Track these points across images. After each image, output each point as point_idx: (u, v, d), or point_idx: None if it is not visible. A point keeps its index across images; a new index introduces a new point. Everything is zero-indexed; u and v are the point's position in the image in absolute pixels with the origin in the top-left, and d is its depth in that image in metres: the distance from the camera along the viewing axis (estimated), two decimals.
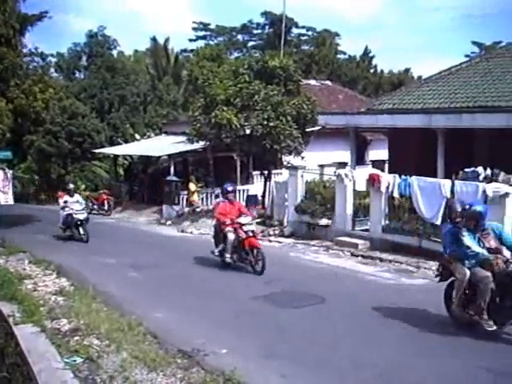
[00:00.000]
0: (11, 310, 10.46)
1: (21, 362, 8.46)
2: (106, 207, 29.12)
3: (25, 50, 23.68)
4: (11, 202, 20.19)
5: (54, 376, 7.36)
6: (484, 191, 13.61)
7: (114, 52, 51.00)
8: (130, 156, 34.73)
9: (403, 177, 15.69)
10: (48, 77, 25.12)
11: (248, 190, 26.77)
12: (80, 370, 7.60)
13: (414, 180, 15.37)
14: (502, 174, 14.14)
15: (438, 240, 14.26)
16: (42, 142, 36.98)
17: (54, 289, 12.24)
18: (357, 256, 15.67)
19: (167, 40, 54.87)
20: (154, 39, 55.22)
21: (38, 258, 15.79)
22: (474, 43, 56.88)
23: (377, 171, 17.28)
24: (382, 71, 63.17)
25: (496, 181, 13.96)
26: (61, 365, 7.70)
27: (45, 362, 7.79)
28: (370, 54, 62.66)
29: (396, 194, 15.88)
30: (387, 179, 16.11)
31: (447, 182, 14.69)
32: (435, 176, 16.65)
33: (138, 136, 39.59)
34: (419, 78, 53.49)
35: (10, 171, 19.53)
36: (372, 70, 62.41)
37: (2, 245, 18.06)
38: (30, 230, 22.78)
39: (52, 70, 50.65)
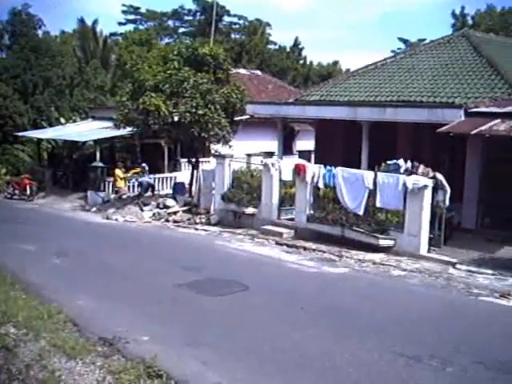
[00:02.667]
0: None
1: None
2: (28, 192, 28.21)
3: None
4: None
5: None
6: (404, 183, 14.10)
7: (40, 32, 49.26)
8: (55, 140, 33.72)
9: (328, 167, 16.01)
10: None
11: (175, 178, 26.60)
12: None
13: (338, 171, 15.72)
14: (422, 166, 14.67)
15: (361, 230, 14.74)
16: None
17: None
18: (281, 245, 15.90)
19: (95, 22, 53.35)
20: (81, 20, 53.58)
21: None
22: (400, 39, 58.33)
23: (303, 161, 17.56)
24: (311, 63, 63.88)
25: (416, 173, 14.46)
26: None
27: None
28: (300, 46, 63.25)
29: (321, 185, 16.20)
30: (313, 169, 16.39)
31: (370, 174, 15.11)
32: (359, 167, 17.09)
33: (63, 120, 38.39)
34: (347, 70, 54.53)
35: None
36: (302, 62, 63.02)
37: None
38: None
39: None
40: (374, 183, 14.85)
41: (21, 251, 14.77)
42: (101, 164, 26.09)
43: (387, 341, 8.21)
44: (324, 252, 14.79)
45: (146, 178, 24.48)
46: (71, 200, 26.83)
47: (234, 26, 65.06)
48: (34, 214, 23.00)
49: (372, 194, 14.94)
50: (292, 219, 17.27)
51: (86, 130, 29.40)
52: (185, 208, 21.49)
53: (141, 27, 62.14)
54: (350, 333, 8.60)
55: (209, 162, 24.53)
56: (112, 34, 60.02)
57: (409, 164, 15.16)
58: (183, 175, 26.13)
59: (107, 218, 21.71)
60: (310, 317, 9.37)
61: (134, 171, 25.22)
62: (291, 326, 8.83)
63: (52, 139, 33.50)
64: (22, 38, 44.45)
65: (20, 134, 34.76)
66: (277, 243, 16.13)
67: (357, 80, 21.27)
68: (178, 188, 23.88)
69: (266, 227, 17.32)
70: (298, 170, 16.56)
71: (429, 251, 14.17)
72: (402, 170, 15.10)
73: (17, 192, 28.80)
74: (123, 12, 66.08)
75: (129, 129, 23.28)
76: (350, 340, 8.28)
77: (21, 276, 11.60)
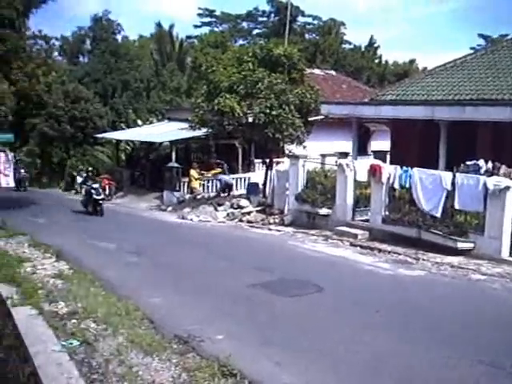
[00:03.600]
0: (9, 292, 10.50)
1: (18, 344, 8.50)
2: (107, 192, 29.11)
3: (28, 33, 23.54)
4: (12, 184, 20.28)
5: (50, 358, 7.38)
6: (485, 184, 13.61)
7: (119, 37, 50.91)
8: (132, 141, 34.70)
9: (404, 168, 15.67)
10: (51, 60, 25.06)
11: (249, 178, 26.77)
12: (76, 352, 7.62)
13: (415, 171, 15.35)
14: (504, 167, 14.13)
15: (438, 232, 14.33)
16: (45, 126, 36.98)
17: (53, 272, 12.25)
18: (356, 246, 15.68)
19: (172, 26, 54.74)
20: (159, 25, 55.10)
21: (38, 242, 15.82)
22: (480, 36, 56.58)
23: (378, 162, 17.26)
24: (386, 62, 62.95)
25: (497, 174, 13.94)
26: (57, 347, 7.73)
27: (41, 345, 7.82)
28: (375, 45, 62.40)
29: (397, 186, 15.87)
30: (388, 170, 16.09)
31: (448, 175, 14.68)
32: (437, 168, 16.65)
33: (140, 122, 39.51)
34: (424, 69, 53.31)
35: (12, 154, 19.55)
36: (377, 61, 62.16)
37: (3, 227, 18.12)
38: (31, 213, 22.85)
39: (56, 53, 50.58)
40: (453, 184, 14.40)
41: (100, 249, 15.26)
42: (176, 164, 26.59)
43: (466, 347, 7.93)
44: (399, 254, 14.48)
45: (225, 177, 24.79)
46: (148, 200, 27.50)
47: (308, 26, 64.93)
48: (112, 213, 23.67)
49: (450, 195, 14.51)
50: (367, 220, 17.01)
51: (163, 132, 30.06)
52: (258, 208, 21.57)
53: (216, 30, 62.97)
54: (426, 337, 8.35)
55: (283, 162, 24.51)
56: (188, 37, 61.28)
57: (490, 165, 14.64)
58: (257, 176, 26.26)
59: (182, 218, 22.09)
60: (385, 320, 9.18)
61: (214, 172, 25.58)
62: (365, 329, 8.67)
63: (130, 140, 34.46)
64: (103, 42, 46.05)
65: (100, 135, 35.98)
66: (351, 244, 15.93)
67: (434, 78, 20.74)
68: (252, 188, 24.01)
69: (340, 228, 17.13)
70: (374, 171, 16.29)
71: (511, 255, 13.62)
72: (482, 171, 14.60)
73: None
74: (199, 15, 67.24)
75: (204, 130, 23.62)
76: (425, 345, 8.04)
77: (100, 273, 11.97)
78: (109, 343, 7.90)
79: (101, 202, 22.73)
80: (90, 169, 25.92)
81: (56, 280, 11.50)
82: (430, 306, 10.00)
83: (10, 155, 18.35)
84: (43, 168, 39.48)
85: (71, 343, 7.92)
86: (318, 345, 7.99)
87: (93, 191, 22.62)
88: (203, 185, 26.50)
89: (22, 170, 32.95)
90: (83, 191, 23.96)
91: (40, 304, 9.61)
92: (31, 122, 36.39)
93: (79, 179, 26.23)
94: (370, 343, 8.04)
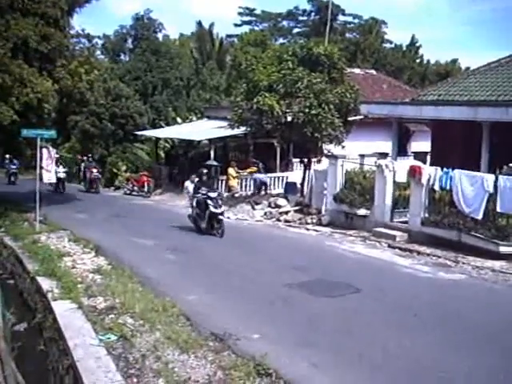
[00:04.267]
0: (50, 286, 10.74)
1: (57, 336, 8.67)
2: (145, 189, 29.47)
3: (72, 32, 23.95)
4: (54, 180, 20.66)
5: (88, 352, 7.51)
6: None
7: (160, 35, 51.42)
8: (171, 139, 35.00)
9: (445, 169, 15.41)
10: (94, 58, 25.47)
11: (287, 177, 26.73)
12: (113, 347, 7.73)
13: (456, 173, 15.06)
14: None
15: (479, 235, 14.05)
16: (86, 123, 37.66)
17: (92, 267, 12.47)
18: (394, 248, 15.50)
19: (212, 25, 55.00)
20: (199, 24, 55.43)
21: (78, 237, 16.11)
22: None
23: (418, 163, 17.03)
24: (428, 61, 62.10)
25: None
26: (95, 341, 7.86)
27: (80, 338, 7.96)
28: (417, 44, 61.60)
29: (437, 187, 15.60)
30: (428, 171, 15.84)
31: (491, 177, 14.37)
32: (478, 170, 16.33)
33: (179, 120, 39.81)
34: (467, 69, 52.38)
35: (54, 150, 19.92)
36: (418, 60, 61.35)
37: (44, 222, 18.50)
38: (72, 208, 23.27)
39: (98, 51, 51.35)
40: (495, 187, 14.09)
41: (138, 245, 15.43)
42: (215, 163, 26.69)
43: (508, 353, 7.76)
44: (439, 257, 14.24)
45: (260, 176, 24.79)
46: (185, 197, 27.63)
47: (348, 25, 64.53)
48: (150, 210, 23.92)
49: (492, 198, 14.21)
50: (405, 222, 16.77)
51: (201, 130, 30.22)
52: (296, 208, 21.50)
53: (256, 28, 63.03)
54: (466, 343, 8.18)
55: (321, 162, 24.39)
56: (228, 36, 61.52)
57: None
58: (295, 175, 26.19)
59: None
60: (424, 324, 9.03)
61: (249, 170, 25.59)
62: (404, 333, 8.56)
63: (169, 138, 34.77)
64: (144, 41, 46.54)
65: (139, 132, 36.40)
66: (389, 246, 15.74)
67: (477, 79, 20.36)
68: (290, 188, 23.95)
69: (378, 229, 16.95)
70: (413, 172, 16.05)
71: None
72: None
73: (135, 188, 30.14)
74: (239, 14, 67.51)
75: (242, 128, 23.65)
76: (465, 351, 7.88)
77: (138, 269, 12.10)
78: (146, 339, 7.99)
79: (221, 217, 17.03)
80: (205, 171, 18.50)
81: (95, 275, 11.71)
82: (470, 311, 9.81)
83: (53, 151, 18.70)
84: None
85: (109, 338, 8.03)
86: (355, 347, 7.91)
87: (209, 202, 16.84)
88: (240, 183, 26.55)
89: (95, 170, 31.17)
90: (193, 201, 17.69)
91: (79, 298, 9.79)
92: (73, 119, 37.08)
93: (189, 186, 20.08)
94: (410, 348, 7.91)
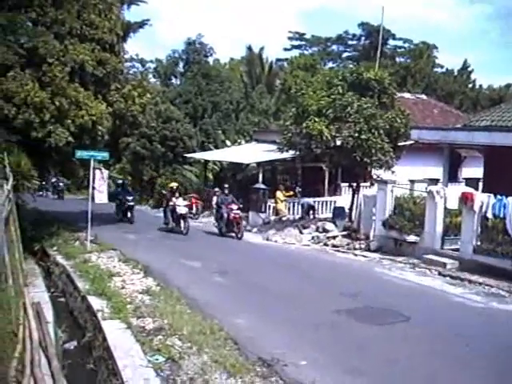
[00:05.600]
0: (100, 306, 10.92)
1: (107, 356, 8.78)
2: (194, 211, 29.67)
3: (126, 56, 24.57)
4: (105, 200, 21.05)
5: (137, 373, 7.58)
6: None
7: (210, 59, 52.17)
8: (220, 162, 35.29)
9: (498, 197, 15.07)
10: (146, 82, 26.06)
11: (335, 202, 26.58)
12: (162, 368, 7.79)
13: (510, 200, 14.72)
14: None
15: None
16: (137, 145, 38.32)
17: (141, 288, 12.62)
18: (445, 276, 15.17)
19: (262, 49, 55.51)
20: (249, 48, 56.00)
21: (127, 257, 16.35)
22: None
23: (470, 189, 16.71)
24: (480, 86, 61.18)
25: None
26: (144, 362, 7.93)
27: (129, 359, 8.05)
28: (469, 68, 60.82)
29: (490, 215, 15.26)
30: (481, 198, 15.53)
31: None
32: None
33: (228, 142, 40.17)
34: None
35: (106, 171, 20.36)
36: (470, 85, 60.51)
37: (95, 241, 18.85)
38: (121, 229, 23.62)
39: (150, 75, 52.44)
40: None
41: (186, 267, 15.54)
42: (263, 186, 26.76)
43: None
44: (492, 286, 13.86)
45: (307, 200, 24.74)
46: None
47: (399, 50, 64.26)
48: (198, 232, 24.07)
49: None
50: (457, 249, 16.42)
51: (250, 153, 30.39)
52: (344, 233, 21.32)
53: (305, 52, 63.38)
54: None
55: (370, 186, 24.20)
56: (278, 60, 62.01)
57: None
58: (343, 199, 26.02)
59: (267, 239, 22.15)
60: (477, 356, 8.77)
61: (287, 194, 25.68)
62: (455, 364, 8.34)
63: (218, 161, 35.08)
64: (195, 65, 47.27)
65: (189, 155, 36.84)
66: (439, 274, 15.42)
67: None
68: (338, 212, 23.78)
69: (428, 256, 16.64)
70: (466, 199, 15.76)
71: None
72: None
73: None
74: (289, 38, 68.04)
75: (291, 152, 23.69)
76: None
77: (186, 291, 12.19)
78: (193, 361, 8.02)
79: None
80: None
81: (144, 296, 11.84)
82: None
83: (105, 173, 19.14)
84: (133, 185, 40.83)
85: (157, 359, 8.09)
86: (405, 377, 7.76)
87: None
88: (288, 207, 26.53)
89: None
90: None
91: (128, 318, 9.91)
92: (125, 141, 37.77)
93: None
94: (461, 381, 7.71)
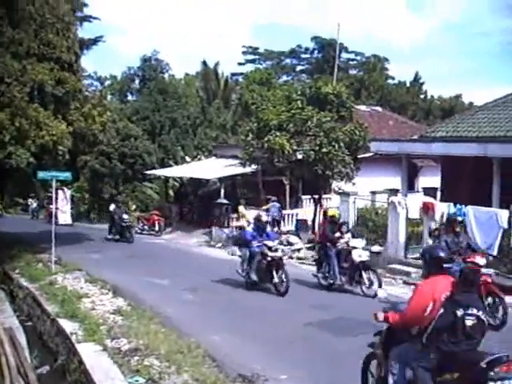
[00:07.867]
0: (73, 328, 10.81)
1: (84, 379, 8.71)
2: (156, 228, 29.53)
3: (84, 74, 24.44)
4: (69, 221, 20.79)
5: None
6: None
7: (166, 75, 52.14)
8: (181, 178, 35.25)
9: (458, 206, 15.54)
10: (106, 100, 25.89)
11: (297, 215, 26.83)
12: None
13: (469, 209, 15.20)
14: None
15: (495, 271, 14.06)
16: (96, 163, 37.96)
17: (112, 308, 12.54)
18: (409, 284, 15.48)
19: (217, 64, 55.77)
20: (204, 63, 56.18)
21: (94, 277, 16.18)
22: None
23: (431, 199, 17.20)
24: (432, 97, 62.72)
25: None
26: None
27: (109, 381, 8.02)
28: (421, 80, 62.34)
29: None
30: (441, 208, 15.98)
31: (504, 212, 14.51)
32: (489, 206, 16.43)
33: (188, 158, 40.17)
34: (470, 104, 53.01)
35: (69, 191, 20.17)
36: (422, 96, 62.00)
37: (59, 262, 18.59)
38: (84, 248, 23.32)
39: (108, 92, 52.12)
40: (509, 222, 14.24)
41: (154, 285, 15.48)
42: (225, 201, 26.84)
43: None
44: None
45: (273, 213, 24.86)
46: (196, 235, 27.73)
47: (351, 62, 65.45)
48: (162, 250, 23.97)
49: (506, 233, 14.32)
50: (419, 258, 16.79)
51: (210, 168, 30.47)
52: (308, 245, 21.56)
53: (259, 66, 63.91)
54: None
55: (331, 198, 24.55)
56: (233, 75, 62.32)
57: None
58: (305, 212, 26.30)
59: (232, 255, 22.13)
60: None
61: (265, 207, 25.69)
62: None
63: (178, 177, 35.01)
64: (151, 81, 47.21)
65: (148, 172, 36.66)
66: (404, 282, 15.76)
67: (485, 114, 20.60)
68: (301, 225, 24.04)
69: (392, 266, 17.01)
70: (427, 208, 16.22)
71: None
72: None
73: (146, 227, 30.19)
74: (243, 53, 68.51)
75: (253, 166, 23.89)
76: None
77: (157, 309, 12.18)
78: (174, 381, 8.06)
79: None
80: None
81: (116, 316, 11.78)
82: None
83: (68, 192, 18.96)
84: (92, 204, 40.37)
85: (137, 380, 8.10)
86: None
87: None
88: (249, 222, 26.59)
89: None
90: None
91: (103, 340, 9.85)
92: (83, 159, 37.41)
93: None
94: None
